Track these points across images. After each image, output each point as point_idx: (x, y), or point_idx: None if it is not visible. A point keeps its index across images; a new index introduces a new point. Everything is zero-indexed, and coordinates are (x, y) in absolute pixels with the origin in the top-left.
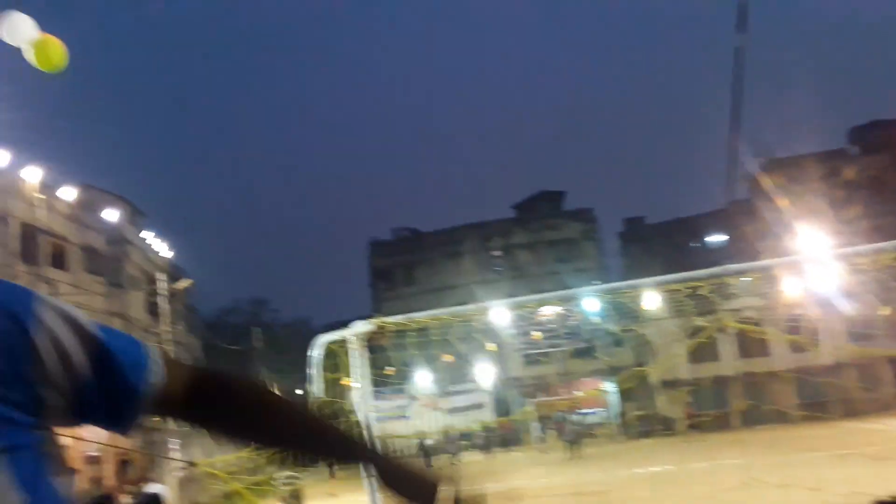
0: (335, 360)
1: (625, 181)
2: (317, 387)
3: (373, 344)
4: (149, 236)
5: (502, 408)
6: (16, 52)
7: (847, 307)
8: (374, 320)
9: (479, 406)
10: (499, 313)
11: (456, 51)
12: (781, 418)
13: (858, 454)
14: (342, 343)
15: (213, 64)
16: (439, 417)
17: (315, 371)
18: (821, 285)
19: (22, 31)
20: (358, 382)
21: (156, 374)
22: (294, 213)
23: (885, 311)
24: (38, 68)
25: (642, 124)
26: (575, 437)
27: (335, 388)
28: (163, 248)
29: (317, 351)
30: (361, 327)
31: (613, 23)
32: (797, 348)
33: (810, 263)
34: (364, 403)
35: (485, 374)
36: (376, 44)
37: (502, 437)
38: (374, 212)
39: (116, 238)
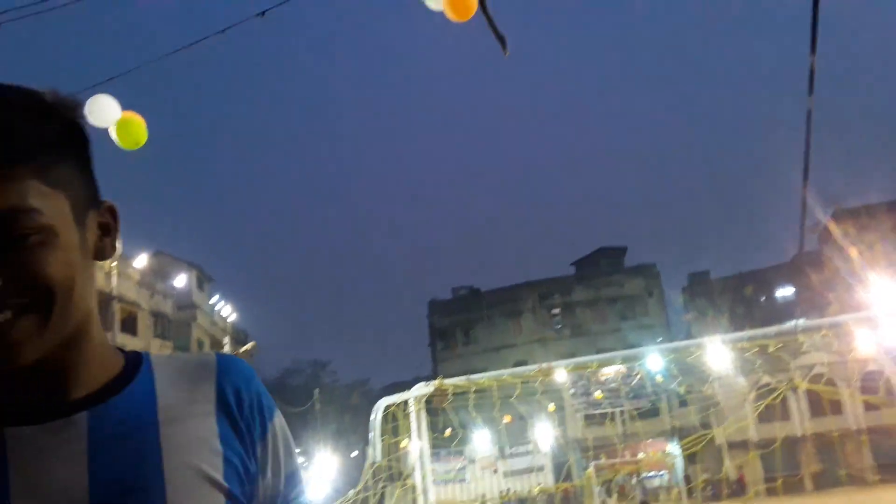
0: (395, 422)
1: (688, 235)
2: (376, 450)
3: (432, 405)
4: (216, 300)
5: (562, 471)
6: (100, 131)
7: None
8: (433, 382)
9: (538, 469)
10: (559, 373)
11: (516, 103)
12: (856, 481)
13: None
14: (402, 405)
15: (274, 130)
16: (498, 480)
17: (375, 434)
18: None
19: (107, 112)
20: (416, 445)
21: None
22: (356, 273)
23: None
24: (121, 146)
25: (705, 177)
26: (643, 499)
27: (394, 450)
28: (228, 312)
29: (377, 414)
30: (421, 389)
31: (676, 76)
32: (871, 406)
33: (882, 317)
34: (422, 466)
35: (545, 435)
36: (437, 102)
37: (563, 502)
38: (436, 272)
39: (185, 303)
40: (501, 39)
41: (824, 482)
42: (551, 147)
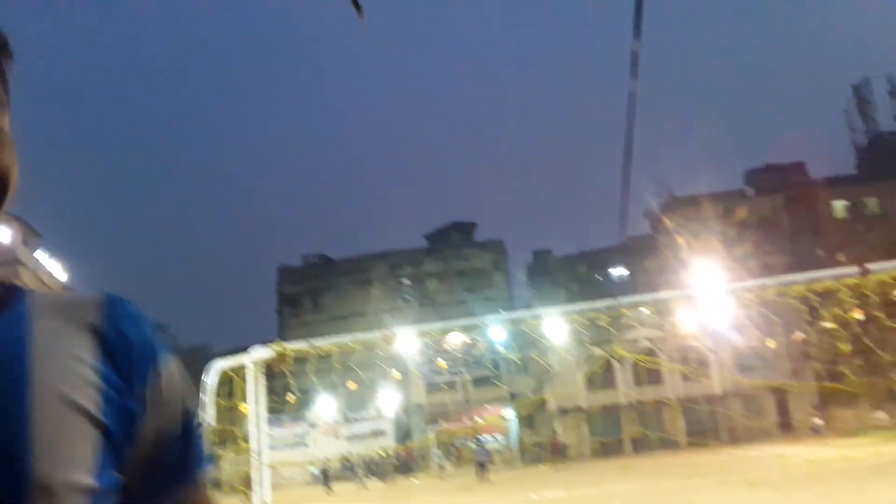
0: (231, 386)
1: (536, 215)
2: (209, 413)
3: (273, 371)
4: (44, 257)
5: (404, 435)
6: None
7: (735, 339)
8: (273, 346)
9: (380, 433)
10: (404, 340)
11: (371, 79)
12: (670, 445)
13: (738, 481)
14: (240, 369)
15: (120, 81)
16: (339, 445)
17: (208, 396)
18: (712, 318)
19: None
20: (253, 409)
21: (206, 474)
22: (202, 235)
23: (771, 343)
24: None
25: (556, 160)
26: (482, 461)
27: (231, 415)
28: (58, 270)
29: (212, 377)
30: (260, 352)
31: (529, 60)
32: (687, 378)
33: (703, 297)
34: (259, 431)
35: (388, 402)
36: (293, 71)
37: (403, 464)
38: (287, 238)
39: (7, 259)
40: (356, 4)
41: (641, 446)
42: (407, 122)
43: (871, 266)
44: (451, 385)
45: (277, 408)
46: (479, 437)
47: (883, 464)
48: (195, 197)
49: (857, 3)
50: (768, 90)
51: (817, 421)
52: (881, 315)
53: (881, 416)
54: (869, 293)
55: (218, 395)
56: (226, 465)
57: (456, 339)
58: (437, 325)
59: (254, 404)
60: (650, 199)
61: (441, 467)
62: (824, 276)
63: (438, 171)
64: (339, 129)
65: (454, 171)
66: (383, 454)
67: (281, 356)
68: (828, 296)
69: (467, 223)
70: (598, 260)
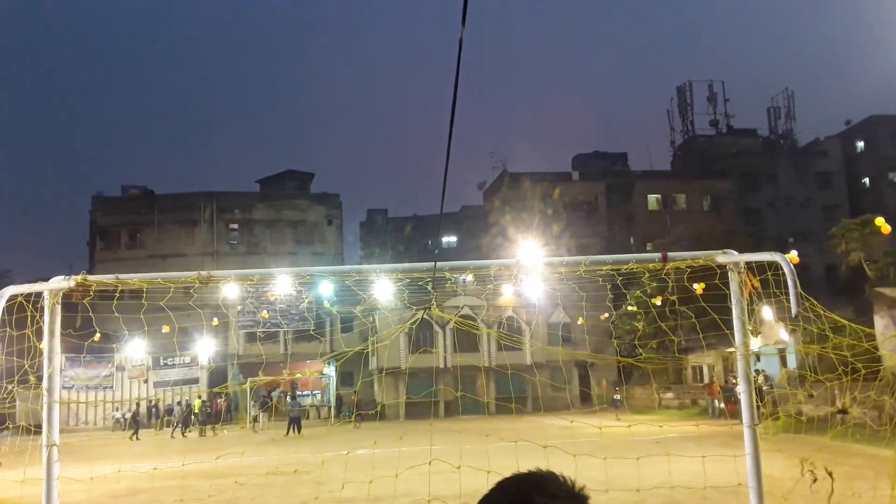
0: (25, 315)
1: (375, 175)
2: None
3: (76, 306)
4: None
5: (219, 384)
6: None
7: (549, 313)
8: (76, 277)
9: (193, 381)
10: (224, 285)
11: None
12: (480, 410)
13: (535, 445)
14: (37, 300)
15: None
16: (147, 390)
17: None
18: (529, 291)
19: None
20: (48, 344)
21: None
22: (8, 152)
23: (580, 320)
24: None
25: (399, 123)
26: (295, 416)
27: (28, 351)
28: None
29: (0, 303)
30: (59, 282)
31: (377, 15)
32: (501, 347)
33: (522, 269)
34: (51, 366)
35: (204, 349)
36: None
37: (215, 414)
38: (107, 166)
39: None
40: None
41: (454, 409)
42: (252, 63)
43: (670, 254)
44: (271, 337)
45: (79, 346)
46: (297, 391)
47: (664, 440)
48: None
49: (690, 9)
50: (607, 81)
51: (616, 396)
52: (674, 300)
53: (670, 395)
54: (668, 280)
55: (9, 325)
56: (17, 403)
57: (281, 290)
58: (261, 272)
59: (48, 338)
60: (487, 171)
61: (255, 420)
62: (629, 259)
63: (278, 117)
64: (172, 54)
65: (294, 118)
66: (195, 402)
67: (83, 288)
68: (633, 280)
69: (304, 173)
70: (429, 225)
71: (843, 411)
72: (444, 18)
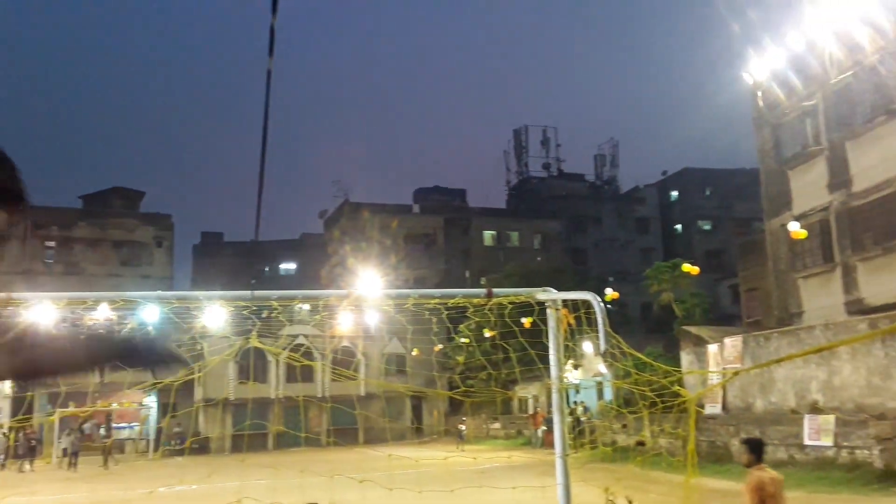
0: None
1: (211, 197)
2: None
3: None
4: None
5: (23, 414)
6: None
7: (387, 345)
8: None
9: None
10: (38, 309)
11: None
12: (313, 442)
13: (355, 477)
14: None
15: None
16: None
17: None
18: (366, 322)
19: None
20: None
21: None
22: None
23: (415, 351)
24: None
25: (238, 145)
26: (108, 449)
27: None
28: None
29: None
30: None
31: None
32: (337, 378)
33: (360, 300)
34: None
35: None
36: None
37: (21, 447)
38: None
39: None
40: None
41: (285, 442)
42: (85, 71)
43: (495, 290)
44: None
45: None
46: (113, 423)
47: (490, 469)
48: None
49: (528, 56)
50: (449, 120)
51: (462, 427)
52: (500, 333)
53: (497, 426)
54: (501, 314)
55: None
56: None
57: (102, 315)
58: (76, 295)
59: None
60: (329, 200)
61: (65, 453)
62: (457, 294)
63: (105, 131)
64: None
65: (122, 134)
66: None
67: None
68: (466, 313)
69: (133, 191)
70: (269, 251)
71: (642, 443)
72: (297, 39)
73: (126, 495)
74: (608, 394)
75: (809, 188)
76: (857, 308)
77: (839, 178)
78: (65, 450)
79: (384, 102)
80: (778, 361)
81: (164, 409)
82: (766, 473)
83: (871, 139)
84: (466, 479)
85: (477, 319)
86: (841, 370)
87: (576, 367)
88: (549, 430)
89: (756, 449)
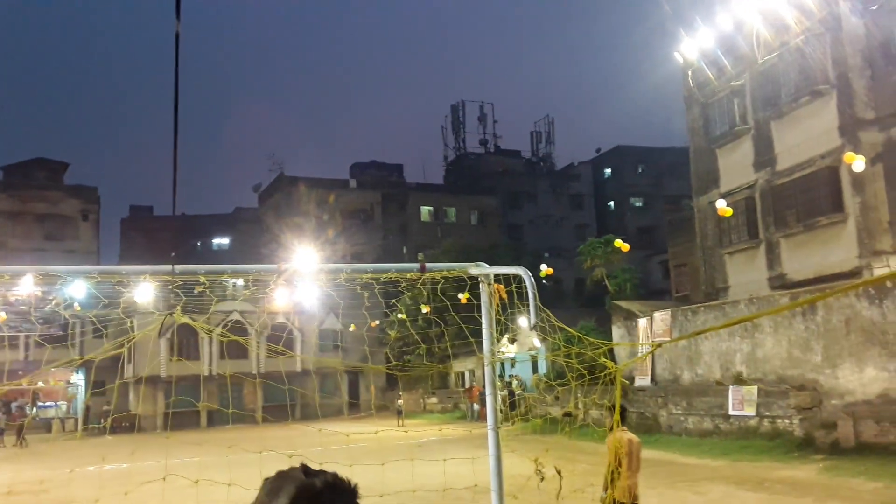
0: None
1: (142, 168)
2: None
3: None
4: None
5: None
6: None
7: (323, 321)
8: None
9: None
10: None
11: None
12: (247, 419)
13: (284, 453)
14: None
15: None
16: None
17: None
18: (302, 297)
19: None
20: None
21: None
22: None
23: (352, 327)
24: None
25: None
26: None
27: None
28: None
29: None
30: None
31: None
32: (271, 354)
33: (295, 275)
34: None
35: None
36: None
37: None
38: None
39: None
40: None
41: (218, 419)
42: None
43: (428, 265)
44: (11, 342)
45: None
46: (39, 402)
47: (427, 443)
48: None
49: (467, 33)
50: (386, 94)
51: (399, 402)
52: (427, 310)
53: (434, 400)
54: (436, 289)
55: None
56: None
57: (24, 291)
58: (5, 269)
59: None
60: (264, 173)
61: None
62: (389, 269)
63: (27, 99)
64: None
65: (45, 102)
66: None
67: None
68: (407, 288)
69: (56, 161)
70: (201, 225)
71: (569, 414)
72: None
73: (51, 475)
74: (542, 367)
75: (736, 166)
76: (780, 283)
77: (764, 156)
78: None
79: (322, 76)
80: (701, 333)
81: (93, 386)
82: (626, 434)
83: (795, 119)
84: (401, 452)
85: (411, 294)
86: (764, 343)
87: (511, 341)
88: (484, 405)
89: (618, 413)
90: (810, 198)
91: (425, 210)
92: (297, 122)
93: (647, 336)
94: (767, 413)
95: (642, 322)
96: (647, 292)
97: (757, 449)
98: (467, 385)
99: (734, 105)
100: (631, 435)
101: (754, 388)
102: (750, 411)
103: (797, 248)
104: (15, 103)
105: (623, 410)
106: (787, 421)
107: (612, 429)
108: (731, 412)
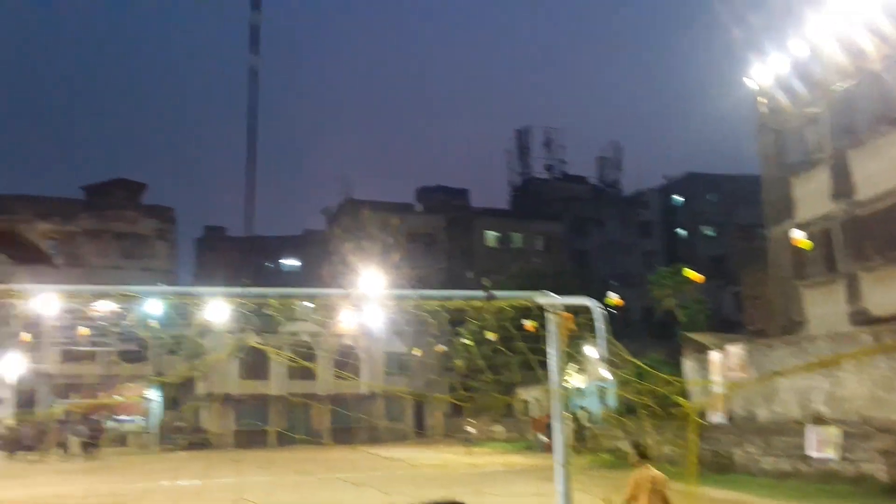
0: None
1: (216, 191)
2: None
3: None
4: None
5: (27, 405)
6: None
7: (387, 344)
8: None
9: None
10: (41, 300)
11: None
12: (314, 441)
13: (352, 479)
14: None
15: None
16: None
17: None
18: (369, 321)
19: None
20: None
21: None
22: None
23: (417, 352)
24: None
25: (242, 136)
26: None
27: None
28: None
29: None
30: None
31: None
32: (339, 377)
33: (363, 299)
34: None
35: (12, 366)
36: None
37: (22, 438)
38: None
39: None
40: None
41: (286, 439)
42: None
43: (496, 293)
44: (91, 356)
45: None
46: (116, 416)
47: (492, 472)
48: None
49: (533, 57)
50: (452, 117)
51: (470, 429)
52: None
53: (499, 428)
54: (488, 318)
55: None
56: None
57: (104, 307)
58: (83, 289)
59: None
60: (332, 196)
61: (66, 445)
62: (456, 296)
63: (109, 121)
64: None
65: (126, 125)
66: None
67: None
68: (472, 315)
69: (135, 182)
70: (271, 246)
71: (638, 444)
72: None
73: (125, 488)
74: (611, 400)
75: (812, 196)
76: (861, 318)
77: (842, 186)
78: (84, 443)
79: (389, 100)
80: (781, 374)
81: (166, 402)
82: (649, 471)
83: (875, 148)
84: (466, 482)
85: (476, 323)
86: (845, 382)
87: (579, 371)
88: (551, 436)
89: (640, 451)
90: (892, 230)
91: (490, 235)
92: (367, 147)
93: (720, 371)
94: (850, 456)
95: (716, 356)
96: (718, 324)
97: (838, 493)
98: (532, 413)
99: (809, 133)
100: (655, 472)
101: (836, 430)
102: (831, 453)
103: (878, 282)
104: (98, 126)
105: (643, 447)
106: (871, 465)
107: (634, 466)
108: (810, 453)
